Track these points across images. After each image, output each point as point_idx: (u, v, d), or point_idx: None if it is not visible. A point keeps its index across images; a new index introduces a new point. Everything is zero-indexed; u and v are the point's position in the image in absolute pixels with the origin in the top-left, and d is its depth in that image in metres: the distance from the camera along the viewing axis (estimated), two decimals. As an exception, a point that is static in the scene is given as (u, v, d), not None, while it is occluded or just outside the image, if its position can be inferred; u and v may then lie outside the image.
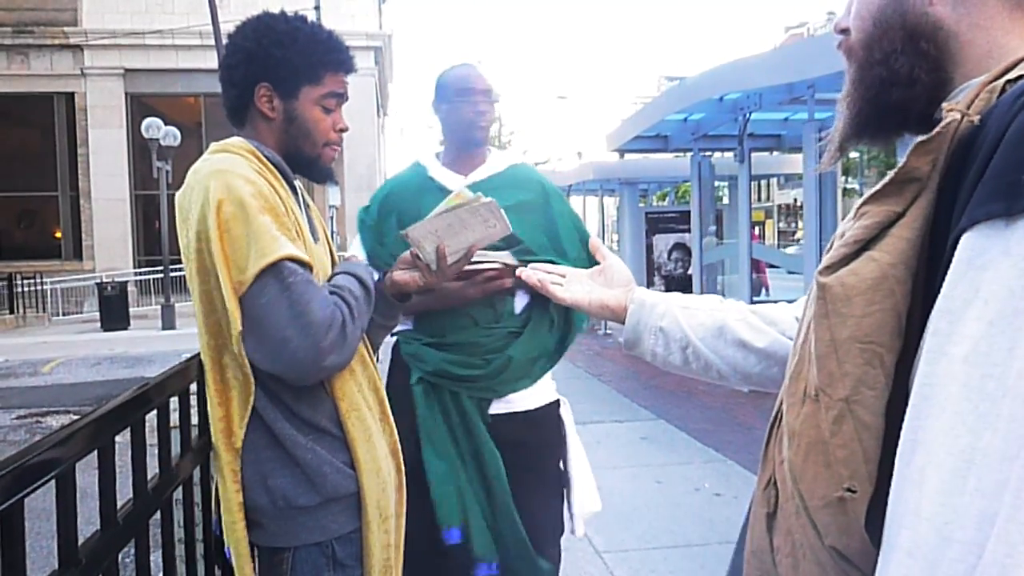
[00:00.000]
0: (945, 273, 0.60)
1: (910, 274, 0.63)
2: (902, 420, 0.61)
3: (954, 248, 0.59)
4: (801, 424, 0.68)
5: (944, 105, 0.65)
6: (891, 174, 0.64)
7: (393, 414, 1.91)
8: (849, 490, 0.63)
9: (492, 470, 1.97)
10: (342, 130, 1.54)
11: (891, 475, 0.61)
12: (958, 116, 0.61)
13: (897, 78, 0.73)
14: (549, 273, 1.28)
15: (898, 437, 0.61)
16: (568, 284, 1.25)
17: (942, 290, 0.59)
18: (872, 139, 0.79)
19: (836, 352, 0.64)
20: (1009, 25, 0.70)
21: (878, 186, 0.66)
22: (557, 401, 2.12)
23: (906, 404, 0.61)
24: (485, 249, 1.76)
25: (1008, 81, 0.63)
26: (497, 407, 2.01)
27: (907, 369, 0.63)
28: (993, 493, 0.52)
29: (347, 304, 1.37)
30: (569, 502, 2.13)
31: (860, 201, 0.68)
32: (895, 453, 0.61)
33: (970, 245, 0.57)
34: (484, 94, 2.07)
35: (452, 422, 1.99)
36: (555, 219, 2.09)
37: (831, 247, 0.75)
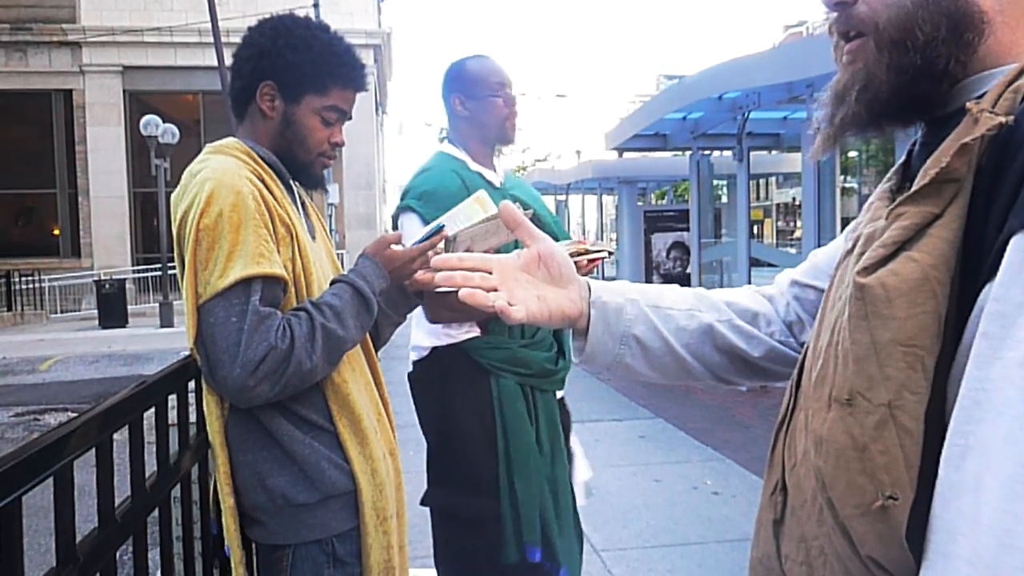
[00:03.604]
0: (984, 274, 0.58)
1: (949, 275, 0.61)
2: (938, 424, 0.59)
3: (1001, 250, 0.57)
4: (830, 430, 0.65)
5: (968, 104, 0.63)
6: (930, 174, 0.62)
7: (475, 433, 1.97)
8: (891, 497, 0.61)
9: (561, 466, 2.02)
10: (337, 144, 1.53)
11: (929, 481, 0.59)
12: (1002, 119, 0.60)
13: (932, 69, 0.69)
14: (472, 271, 0.90)
15: (935, 441, 0.59)
16: (513, 293, 0.89)
17: (993, 292, 0.57)
18: (881, 129, 0.75)
19: (877, 355, 0.62)
20: None
21: (915, 187, 0.64)
22: None
23: (943, 407, 0.60)
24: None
25: None
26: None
27: (943, 372, 0.61)
28: None
29: (312, 325, 1.34)
30: (571, 475, 2.18)
31: (895, 202, 0.65)
32: (932, 458, 0.59)
33: (1022, 247, 0.55)
34: (511, 87, 2.05)
35: (540, 425, 1.99)
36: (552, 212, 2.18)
37: (853, 247, 0.72)
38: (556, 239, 2.00)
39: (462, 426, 1.97)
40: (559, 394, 2.16)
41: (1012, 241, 0.56)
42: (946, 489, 0.57)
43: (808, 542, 0.68)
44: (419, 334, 2.00)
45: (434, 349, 1.99)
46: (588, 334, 0.94)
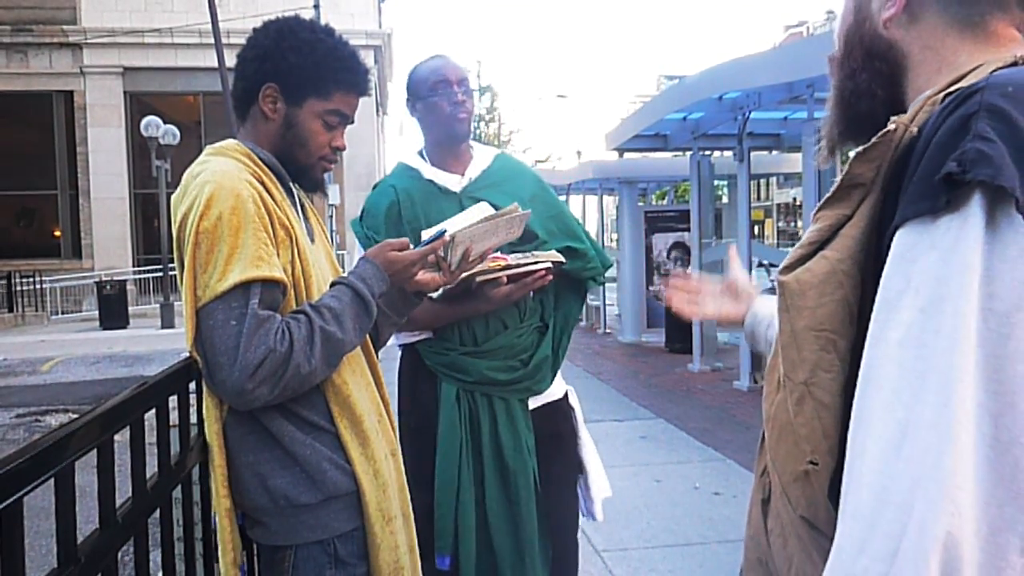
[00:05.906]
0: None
1: (857, 268, 0.70)
2: None
3: (890, 244, 0.65)
4: (775, 409, 0.75)
5: (894, 118, 0.72)
6: (837, 181, 0.72)
7: (419, 429, 1.99)
8: (812, 463, 0.70)
9: (522, 481, 1.95)
10: (338, 148, 1.53)
11: None
12: (894, 127, 0.69)
13: (862, 91, 0.83)
14: (687, 292, 1.37)
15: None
16: (706, 303, 1.35)
17: (881, 282, 0.65)
18: (855, 142, 0.85)
19: (795, 341, 0.72)
20: (958, 45, 0.76)
21: (828, 193, 0.73)
22: (567, 390, 2.16)
23: None
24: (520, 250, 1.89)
25: (947, 95, 0.69)
26: (531, 402, 2.03)
27: (861, 353, 0.69)
28: (922, 459, 0.58)
29: (311, 328, 1.33)
30: (587, 488, 2.15)
31: (816, 207, 0.75)
32: None
33: (902, 241, 0.64)
34: (460, 84, 1.98)
35: (482, 433, 1.95)
36: (556, 205, 2.11)
37: None
38: (536, 236, 2.01)
39: (411, 422, 2.03)
40: (574, 401, 2.14)
41: (896, 236, 0.65)
42: (848, 455, 0.66)
43: (780, 516, 0.78)
44: None
45: (402, 346, 2.06)
46: (744, 331, 1.28)
